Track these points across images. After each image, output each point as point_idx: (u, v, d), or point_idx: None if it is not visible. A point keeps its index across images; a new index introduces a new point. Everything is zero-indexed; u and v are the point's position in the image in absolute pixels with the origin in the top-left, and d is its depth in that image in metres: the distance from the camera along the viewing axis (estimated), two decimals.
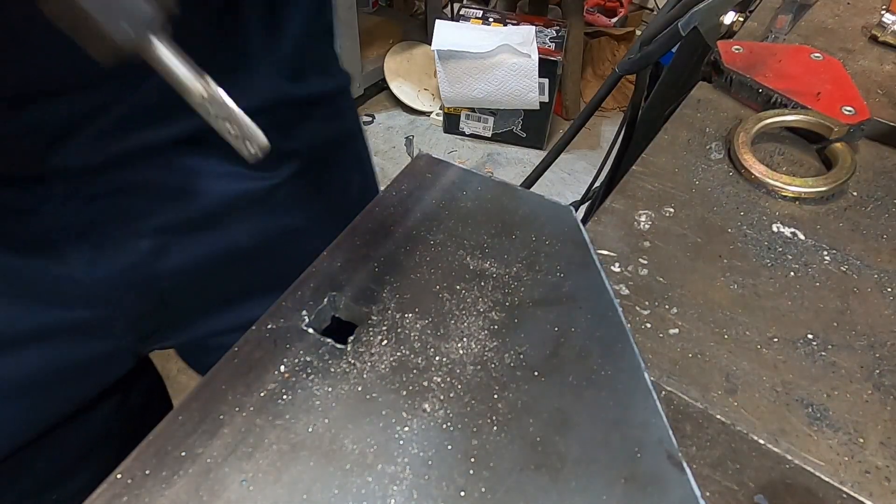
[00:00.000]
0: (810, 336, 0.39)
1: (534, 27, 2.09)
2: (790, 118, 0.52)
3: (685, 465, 0.31)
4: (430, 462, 0.31)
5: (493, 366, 0.35)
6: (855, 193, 0.49)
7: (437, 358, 0.35)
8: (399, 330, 0.36)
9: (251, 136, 0.26)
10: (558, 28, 2.16)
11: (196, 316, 0.53)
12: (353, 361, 0.35)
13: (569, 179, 2.21)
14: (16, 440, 0.48)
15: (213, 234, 0.48)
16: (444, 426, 0.33)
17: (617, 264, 0.43)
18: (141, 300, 0.48)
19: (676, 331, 0.39)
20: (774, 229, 0.46)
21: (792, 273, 0.43)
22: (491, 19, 2.16)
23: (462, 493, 0.30)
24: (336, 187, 0.57)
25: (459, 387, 0.34)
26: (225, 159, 0.46)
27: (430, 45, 2.03)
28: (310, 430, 0.32)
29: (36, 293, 0.44)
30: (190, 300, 0.51)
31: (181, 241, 0.47)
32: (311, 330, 0.36)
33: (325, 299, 0.37)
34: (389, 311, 0.37)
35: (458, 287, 0.39)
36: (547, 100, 2.15)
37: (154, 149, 0.42)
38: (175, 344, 0.56)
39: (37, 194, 0.41)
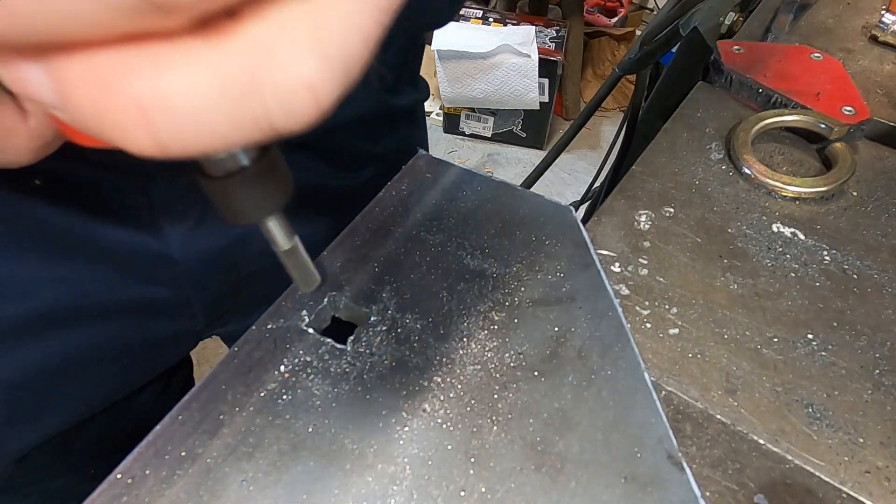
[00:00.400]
0: (810, 336, 0.39)
1: (534, 27, 2.09)
2: (790, 118, 0.52)
3: (685, 465, 0.31)
4: (430, 462, 0.31)
5: (493, 366, 0.35)
6: (855, 193, 0.49)
7: (437, 358, 0.35)
8: (399, 330, 0.36)
9: (309, 282, 0.32)
10: (558, 28, 2.16)
11: (261, 303, 0.55)
12: (353, 361, 0.35)
13: (569, 179, 2.21)
14: (83, 412, 0.50)
15: (295, 224, 0.50)
16: (444, 426, 0.33)
17: (617, 264, 0.43)
18: (222, 284, 0.50)
19: (676, 331, 0.39)
20: (774, 229, 0.46)
21: (792, 273, 0.43)
22: (491, 19, 2.16)
23: (462, 493, 0.30)
24: None
25: (459, 387, 0.34)
26: (319, 158, 0.48)
27: (430, 45, 2.03)
28: (310, 430, 0.32)
29: (130, 268, 0.45)
30: (261, 287, 0.53)
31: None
32: (311, 330, 0.36)
33: (325, 299, 0.37)
34: (389, 311, 0.37)
35: (458, 287, 0.39)
36: (547, 100, 2.15)
37: None
38: (230, 330, 0.57)
39: (145, 174, 0.42)
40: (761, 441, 0.34)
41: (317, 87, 0.13)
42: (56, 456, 0.51)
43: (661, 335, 0.39)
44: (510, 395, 0.34)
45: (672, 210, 0.47)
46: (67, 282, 0.43)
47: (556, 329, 0.37)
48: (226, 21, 0.13)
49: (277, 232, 0.29)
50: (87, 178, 0.40)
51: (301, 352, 0.35)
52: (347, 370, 0.35)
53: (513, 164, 2.26)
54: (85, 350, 0.46)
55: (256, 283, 0.52)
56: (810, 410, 0.36)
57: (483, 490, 0.30)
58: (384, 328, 0.36)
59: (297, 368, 0.34)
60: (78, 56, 0.13)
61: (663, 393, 0.36)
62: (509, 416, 0.33)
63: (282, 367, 0.35)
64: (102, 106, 0.13)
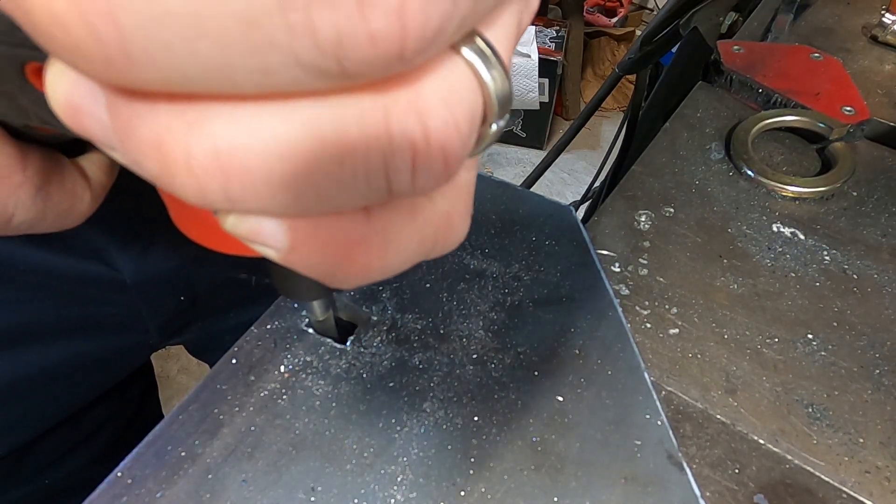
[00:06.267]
0: (810, 336, 0.39)
1: (534, 27, 2.09)
2: (790, 118, 0.52)
3: (685, 465, 0.31)
4: (430, 462, 0.31)
5: (492, 366, 0.35)
6: (855, 193, 0.49)
7: (437, 358, 0.35)
8: (399, 330, 0.36)
9: (329, 335, 0.36)
10: (558, 28, 2.16)
11: (221, 313, 0.54)
12: (353, 361, 0.35)
13: (569, 179, 2.21)
14: (36, 428, 0.49)
15: None
16: (444, 426, 0.33)
17: (617, 264, 0.43)
18: (177, 302, 0.49)
19: (676, 331, 0.39)
20: (774, 229, 0.46)
21: (792, 273, 0.43)
22: None
23: (462, 493, 0.30)
24: None
25: (459, 387, 0.34)
26: None
27: None
28: (310, 430, 0.32)
29: (80, 292, 0.45)
30: (220, 299, 0.53)
31: None
32: (311, 330, 0.36)
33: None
34: (389, 311, 0.37)
35: (458, 287, 0.39)
36: (547, 100, 2.15)
37: None
38: (191, 338, 0.57)
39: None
40: (761, 441, 0.34)
41: (451, 155, 0.14)
42: (10, 469, 0.50)
43: (661, 335, 0.39)
44: (510, 395, 0.34)
45: (672, 210, 0.47)
46: (14, 304, 0.42)
47: (556, 329, 0.37)
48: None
49: (319, 308, 0.32)
50: None
51: (301, 352, 0.35)
52: (347, 370, 0.35)
53: (513, 164, 2.26)
54: (35, 370, 0.45)
55: (215, 297, 0.52)
56: (810, 410, 0.36)
57: (483, 490, 0.30)
58: (384, 328, 0.36)
59: (297, 368, 0.34)
60: (222, 108, 0.12)
61: (663, 393, 0.36)
62: (509, 416, 0.33)
63: (282, 367, 0.34)
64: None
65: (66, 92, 0.12)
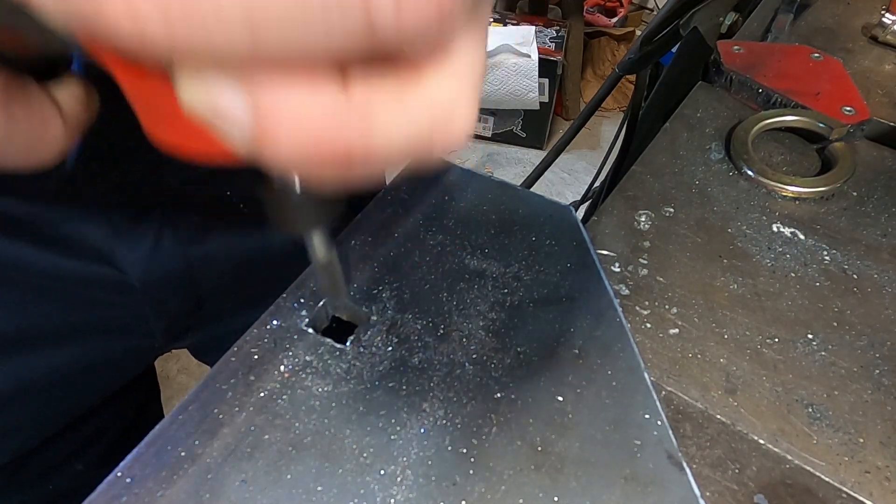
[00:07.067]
0: (810, 336, 0.39)
1: (534, 27, 2.09)
2: (790, 118, 0.52)
3: (685, 465, 0.31)
4: (430, 462, 0.31)
5: (492, 366, 0.35)
6: (855, 193, 0.49)
7: (437, 358, 0.35)
8: (399, 330, 0.36)
9: (338, 293, 0.35)
10: (558, 28, 2.16)
11: (226, 315, 0.54)
12: (353, 361, 0.35)
13: (569, 179, 2.21)
14: (40, 433, 0.49)
15: (254, 238, 0.49)
16: (444, 426, 0.33)
17: (617, 264, 0.43)
18: (183, 303, 0.49)
19: (676, 331, 0.39)
20: (774, 229, 0.46)
21: (792, 273, 0.43)
22: (490, 19, 2.16)
23: (462, 494, 0.30)
24: None
25: (459, 387, 0.34)
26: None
27: None
28: (310, 430, 0.32)
29: (85, 295, 0.44)
30: (226, 302, 0.52)
31: (227, 245, 0.48)
32: (310, 330, 0.36)
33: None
34: (389, 311, 0.37)
35: (458, 287, 0.39)
36: (547, 100, 2.15)
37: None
38: (195, 342, 0.56)
39: (105, 204, 0.41)
40: (761, 441, 0.34)
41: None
42: (13, 474, 0.50)
43: (661, 335, 0.39)
44: (510, 395, 0.34)
45: (672, 210, 0.47)
46: (21, 307, 0.42)
47: (556, 329, 0.37)
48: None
49: (319, 245, 0.31)
50: (42, 214, 0.40)
51: (301, 352, 0.35)
52: (347, 370, 0.35)
53: (513, 164, 2.26)
54: (40, 374, 0.45)
55: (220, 298, 0.52)
56: (810, 410, 0.36)
57: (483, 490, 0.30)
58: (384, 328, 0.36)
59: (297, 368, 0.34)
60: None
61: (663, 393, 0.36)
62: (509, 416, 0.33)
63: (282, 367, 0.34)
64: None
65: None
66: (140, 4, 0.10)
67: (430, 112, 0.15)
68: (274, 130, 0.13)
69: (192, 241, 0.46)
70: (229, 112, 0.13)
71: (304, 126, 0.13)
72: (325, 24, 0.11)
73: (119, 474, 0.30)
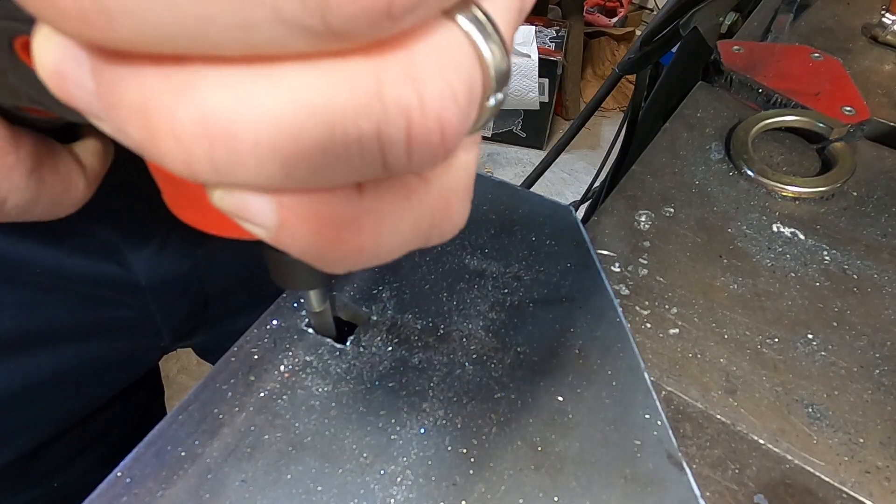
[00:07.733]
0: (810, 336, 0.39)
1: (534, 27, 2.09)
2: (790, 118, 0.52)
3: (685, 465, 0.31)
4: (429, 462, 0.31)
5: (492, 366, 0.35)
6: (855, 193, 0.49)
7: (437, 358, 0.35)
8: (399, 330, 0.36)
9: (327, 334, 0.36)
10: (558, 28, 2.16)
11: (232, 315, 0.54)
12: (353, 361, 0.35)
13: (569, 179, 2.21)
14: (46, 432, 0.49)
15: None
16: (444, 426, 0.33)
17: (617, 264, 0.43)
18: (189, 303, 0.49)
19: (676, 331, 0.39)
20: (774, 229, 0.46)
21: (792, 273, 0.43)
22: None
23: (462, 494, 0.30)
24: None
25: (459, 387, 0.34)
26: None
27: None
28: (310, 430, 0.32)
29: (93, 294, 0.44)
30: (232, 301, 0.52)
31: (233, 244, 0.48)
32: (310, 330, 0.36)
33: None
34: (389, 311, 0.37)
35: (458, 287, 0.39)
36: (547, 100, 2.15)
37: None
38: (200, 341, 0.57)
39: (106, 203, 0.41)
40: (761, 441, 0.34)
41: (449, 130, 0.13)
42: (19, 473, 0.50)
43: (661, 335, 0.39)
44: (510, 395, 0.34)
45: (672, 210, 0.47)
46: (29, 307, 0.42)
47: (556, 329, 0.37)
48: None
49: (315, 298, 0.32)
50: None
51: (301, 352, 0.35)
52: (347, 370, 0.35)
53: (513, 164, 2.26)
54: (47, 373, 0.45)
55: (227, 298, 0.52)
56: (810, 410, 0.36)
57: (483, 490, 0.30)
58: (384, 328, 0.36)
59: (297, 368, 0.34)
60: (211, 71, 0.12)
61: (663, 393, 0.36)
62: (509, 416, 0.33)
63: (282, 367, 0.34)
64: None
65: (51, 58, 0.12)
66: (194, 150, 0.12)
67: (433, 208, 0.16)
68: (293, 227, 0.14)
69: (199, 241, 0.46)
70: (254, 213, 0.14)
71: (322, 225, 0.14)
72: (348, 164, 0.12)
73: (119, 474, 0.30)
